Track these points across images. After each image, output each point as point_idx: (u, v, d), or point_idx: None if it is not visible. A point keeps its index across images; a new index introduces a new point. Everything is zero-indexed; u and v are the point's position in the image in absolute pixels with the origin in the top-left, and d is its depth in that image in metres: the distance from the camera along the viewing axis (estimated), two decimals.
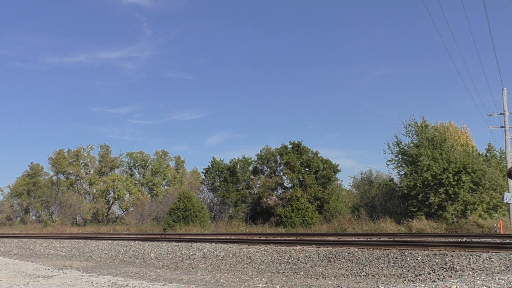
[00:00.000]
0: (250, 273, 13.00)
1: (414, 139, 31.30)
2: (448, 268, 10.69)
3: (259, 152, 40.50)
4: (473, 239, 15.68)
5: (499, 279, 7.58)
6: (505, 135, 28.54)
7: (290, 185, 37.98)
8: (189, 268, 14.72)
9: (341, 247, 14.28)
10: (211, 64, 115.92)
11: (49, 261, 18.34)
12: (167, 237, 24.13)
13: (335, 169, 37.91)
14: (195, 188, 50.15)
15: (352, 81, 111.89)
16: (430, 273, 10.63)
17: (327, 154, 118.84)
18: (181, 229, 34.46)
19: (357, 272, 11.82)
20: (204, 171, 44.31)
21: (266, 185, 37.62)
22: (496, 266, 10.20)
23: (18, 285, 10.41)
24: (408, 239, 16.43)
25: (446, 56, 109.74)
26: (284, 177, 38.37)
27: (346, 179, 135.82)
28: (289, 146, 39.05)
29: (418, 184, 27.73)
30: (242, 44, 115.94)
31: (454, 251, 12.05)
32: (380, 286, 9.92)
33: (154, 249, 18.52)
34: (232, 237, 21.52)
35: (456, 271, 10.32)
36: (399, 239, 17.10)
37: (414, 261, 11.68)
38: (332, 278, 11.66)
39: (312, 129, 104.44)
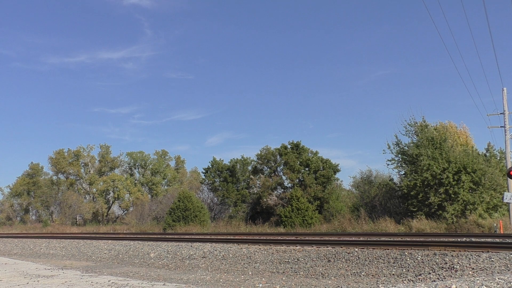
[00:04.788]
0: (250, 273, 13.00)
1: (414, 139, 31.33)
2: (448, 268, 10.69)
3: (259, 152, 40.55)
4: (473, 239, 15.68)
5: (499, 279, 7.58)
6: (505, 135, 28.54)
7: (290, 185, 37.97)
8: (189, 268, 14.71)
9: (341, 247, 14.27)
10: (211, 64, 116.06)
11: (49, 261, 18.33)
12: (167, 237, 24.12)
13: (335, 169, 37.90)
14: (195, 188, 50.15)
15: (352, 81, 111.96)
16: (430, 273, 10.63)
17: (327, 154, 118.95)
18: (181, 229, 34.47)
19: (357, 272, 11.82)
20: (204, 171, 44.36)
21: (266, 185, 37.62)
22: (496, 266, 10.19)
23: (18, 285, 10.41)
24: (408, 239, 16.43)
25: (446, 56, 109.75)
26: (284, 177, 38.37)
27: (346, 179, 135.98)
28: (289, 146, 39.05)
29: (418, 184, 27.73)
30: (242, 44, 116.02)
31: (454, 251, 12.04)
32: (380, 286, 9.92)
33: (154, 249, 18.51)
34: (232, 237, 21.51)
35: (456, 271, 10.32)
36: (399, 239, 17.09)
37: (414, 261, 11.67)
38: (332, 278, 11.66)
39: (312, 129, 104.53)
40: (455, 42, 78.74)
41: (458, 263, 10.80)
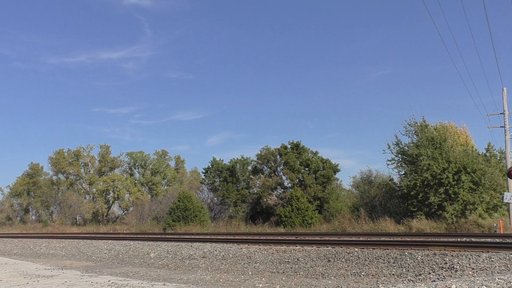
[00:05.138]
0: (250, 273, 13.00)
1: (414, 139, 31.32)
2: (448, 268, 10.69)
3: (259, 152, 40.55)
4: (473, 239, 15.68)
5: (499, 279, 7.58)
6: (505, 135, 28.54)
7: (290, 185, 37.97)
8: (189, 268, 14.71)
9: (341, 247, 14.27)
10: (211, 64, 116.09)
11: (49, 261, 18.33)
12: (167, 237, 24.12)
13: (335, 169, 37.90)
14: (195, 188, 50.15)
15: (352, 81, 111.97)
16: (430, 273, 10.63)
17: (327, 154, 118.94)
18: (181, 229, 34.46)
19: (357, 272, 11.82)
20: (204, 171, 44.36)
21: (266, 185, 37.62)
22: (496, 266, 10.19)
23: (18, 285, 10.41)
24: (408, 239, 16.43)
25: (446, 56, 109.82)
26: (284, 177, 38.37)
27: (346, 179, 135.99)
28: (289, 146, 39.05)
29: (418, 184, 27.73)
30: (242, 44, 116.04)
31: (454, 251, 12.04)
32: (380, 286, 9.92)
33: (154, 249, 18.51)
34: (232, 237, 21.51)
35: (456, 271, 10.32)
36: (399, 239, 17.09)
37: (414, 261, 11.67)
38: (332, 278, 11.66)
39: (312, 129, 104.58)
40: (455, 42, 78.75)
41: (458, 263, 10.80)
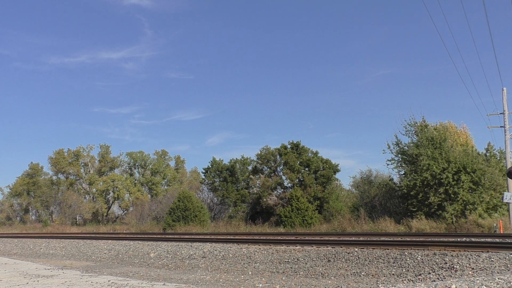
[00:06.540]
0: (250, 272, 13.00)
1: (414, 139, 31.31)
2: (448, 267, 10.69)
3: (259, 152, 40.55)
4: (473, 239, 15.68)
5: (499, 278, 7.59)
6: (505, 135, 28.54)
7: (289, 185, 37.96)
8: (189, 267, 14.71)
9: (341, 247, 14.27)
10: (211, 64, 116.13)
11: (48, 260, 18.33)
12: (167, 237, 24.12)
13: (335, 169, 37.89)
14: (195, 188, 50.14)
15: (352, 81, 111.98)
16: (430, 273, 10.63)
17: (327, 154, 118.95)
18: (181, 229, 34.46)
19: (357, 272, 11.81)
20: (204, 171, 44.36)
21: (266, 185, 37.61)
22: (496, 266, 10.19)
23: (18, 285, 10.40)
24: (408, 239, 16.43)
25: (446, 56, 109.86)
26: (283, 177, 38.36)
27: (346, 179, 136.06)
28: (289, 146, 39.04)
29: (418, 184, 27.73)
30: (242, 44, 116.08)
31: (454, 250, 12.04)
32: (379, 285, 9.92)
33: (154, 249, 18.51)
34: (232, 237, 21.51)
35: (456, 271, 10.32)
36: (399, 238, 17.09)
37: (413, 261, 11.67)
38: (332, 277, 11.66)
39: (312, 129, 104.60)
40: (455, 42, 78.76)
41: (458, 263, 10.80)
